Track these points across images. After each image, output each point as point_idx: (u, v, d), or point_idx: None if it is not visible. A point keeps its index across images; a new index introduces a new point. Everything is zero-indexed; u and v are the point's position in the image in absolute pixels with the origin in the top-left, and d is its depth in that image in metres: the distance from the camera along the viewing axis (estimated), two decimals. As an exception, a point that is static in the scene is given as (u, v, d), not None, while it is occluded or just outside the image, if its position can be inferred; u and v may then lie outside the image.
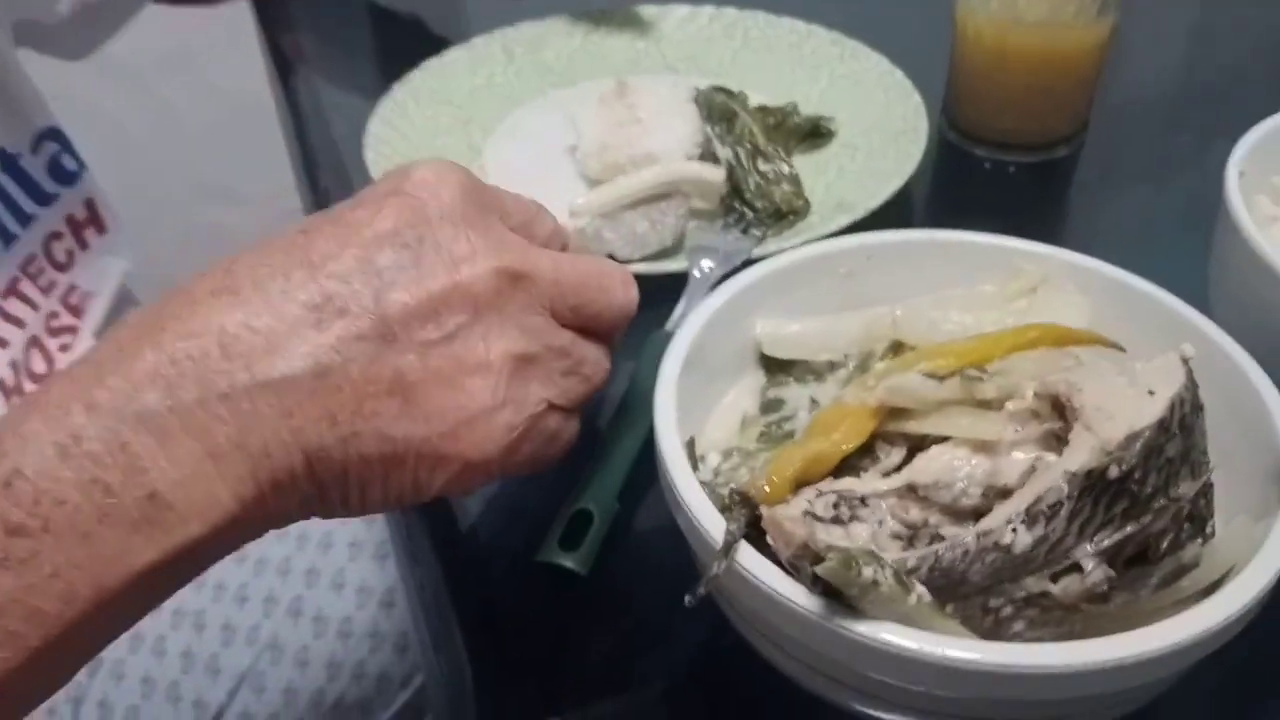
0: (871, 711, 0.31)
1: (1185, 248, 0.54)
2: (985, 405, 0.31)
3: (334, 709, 0.63)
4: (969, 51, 0.60)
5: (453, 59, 0.70)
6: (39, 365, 0.62)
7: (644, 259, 0.53)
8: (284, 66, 0.78)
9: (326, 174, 0.67)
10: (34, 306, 0.61)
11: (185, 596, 0.64)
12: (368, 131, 0.62)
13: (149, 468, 0.28)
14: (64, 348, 0.63)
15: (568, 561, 0.39)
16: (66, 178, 0.63)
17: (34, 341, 0.61)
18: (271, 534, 0.72)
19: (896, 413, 0.32)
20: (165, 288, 0.32)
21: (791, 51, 0.71)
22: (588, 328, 0.36)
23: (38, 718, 0.61)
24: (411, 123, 0.65)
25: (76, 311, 0.64)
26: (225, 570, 0.64)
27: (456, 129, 0.66)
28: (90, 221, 0.64)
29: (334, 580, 0.65)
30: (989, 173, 0.62)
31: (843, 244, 0.40)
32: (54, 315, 0.62)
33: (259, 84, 0.87)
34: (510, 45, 0.73)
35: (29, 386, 0.61)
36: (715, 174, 0.57)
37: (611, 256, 0.52)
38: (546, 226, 0.38)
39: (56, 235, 0.62)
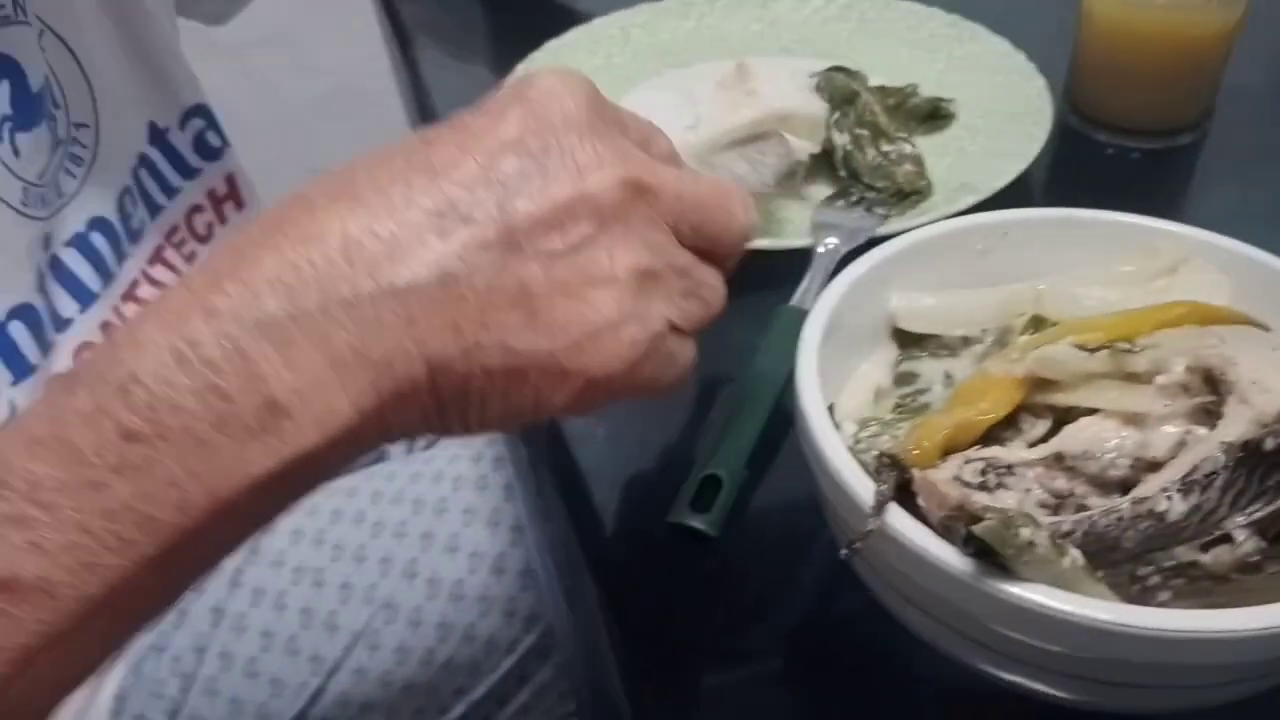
0: (1007, 675, 0.31)
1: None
2: (1134, 379, 0.32)
3: (443, 669, 0.65)
4: (1094, 35, 0.60)
5: (572, 39, 0.72)
6: None
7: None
8: (404, 39, 0.80)
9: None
10: (178, 274, 0.64)
11: (305, 554, 0.66)
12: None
13: (268, 375, 0.28)
14: None
15: (698, 523, 0.40)
16: (211, 153, 0.66)
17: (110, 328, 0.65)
18: (388, 498, 0.74)
19: (1043, 385, 0.32)
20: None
21: (909, 34, 0.71)
22: (706, 250, 0.35)
23: (163, 663, 0.64)
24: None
25: None
26: (344, 530, 0.67)
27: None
28: (229, 196, 0.67)
29: (448, 545, 0.67)
30: (1111, 158, 0.61)
31: (979, 220, 0.41)
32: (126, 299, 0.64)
33: (369, 62, 0.89)
34: (627, 26, 0.74)
35: None
36: (816, 107, 0.57)
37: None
38: (665, 146, 0.37)
39: (198, 208, 0.64)
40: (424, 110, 0.74)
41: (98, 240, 0.56)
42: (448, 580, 0.66)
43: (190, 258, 0.64)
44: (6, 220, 0.48)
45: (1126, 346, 0.32)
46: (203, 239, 0.65)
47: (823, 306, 0.37)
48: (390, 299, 0.29)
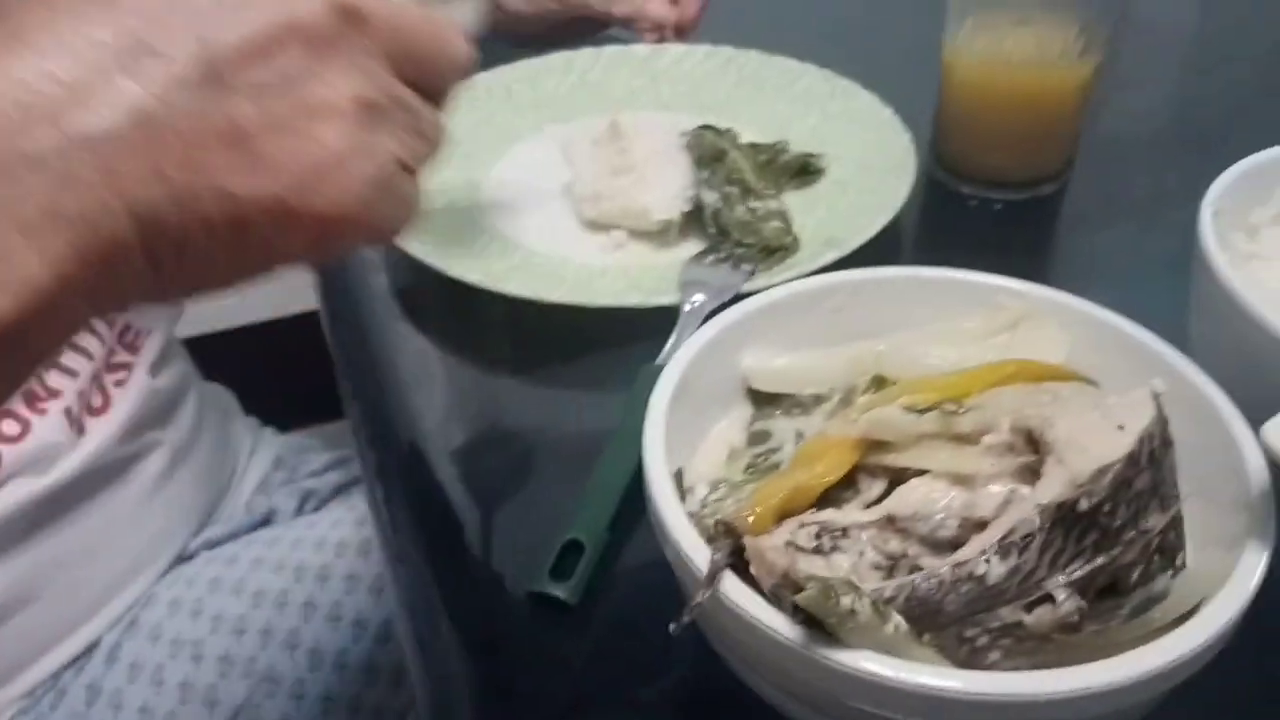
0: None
1: (1169, 284, 0.55)
2: (963, 439, 0.32)
3: (329, 740, 0.64)
4: (956, 91, 0.62)
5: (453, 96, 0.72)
6: (97, 400, 0.63)
7: None
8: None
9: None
10: (101, 340, 0.63)
11: (183, 626, 0.64)
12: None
13: None
14: (119, 383, 0.65)
15: (558, 591, 0.40)
16: None
17: (95, 376, 0.63)
18: (269, 565, 0.73)
19: (878, 445, 0.33)
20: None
21: (784, 89, 0.72)
22: (424, 86, 0.32)
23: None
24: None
25: (132, 349, 0.66)
26: (223, 600, 0.65)
27: (457, 163, 0.68)
28: None
29: (331, 614, 0.65)
30: (975, 210, 0.63)
31: (829, 280, 0.41)
32: (112, 352, 0.63)
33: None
34: (509, 82, 0.74)
35: (88, 421, 0.62)
36: (683, 165, 0.60)
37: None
38: None
39: None
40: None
41: None
42: (331, 650, 0.64)
43: (111, 322, 0.65)
44: None
45: (954, 408, 0.32)
46: None
47: (672, 370, 0.37)
48: (81, 149, 0.26)
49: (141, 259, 0.27)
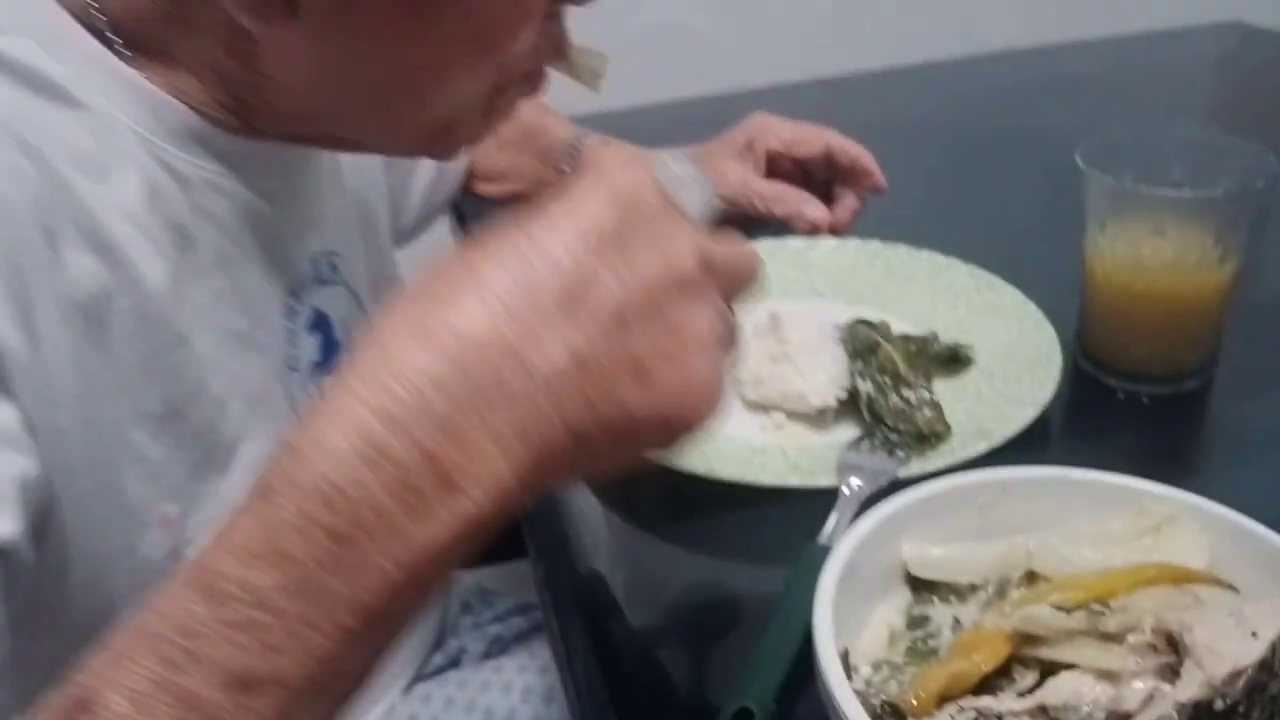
0: None
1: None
2: (1109, 637, 0.36)
3: None
4: (1099, 291, 0.66)
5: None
6: None
7: None
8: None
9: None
10: None
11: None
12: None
13: (447, 464, 0.32)
14: None
15: (731, 755, 0.44)
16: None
17: None
18: (460, 706, 0.78)
19: (1030, 639, 0.37)
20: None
21: (931, 281, 0.78)
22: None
23: None
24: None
25: None
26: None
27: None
28: None
29: None
30: (1122, 402, 0.66)
31: (981, 477, 0.46)
32: None
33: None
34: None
35: None
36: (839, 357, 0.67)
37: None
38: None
39: None
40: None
41: None
42: None
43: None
44: None
45: (1100, 608, 0.36)
46: None
47: (839, 555, 0.42)
48: (535, 381, 0.34)
49: (568, 459, 0.35)
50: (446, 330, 0.33)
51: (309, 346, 0.57)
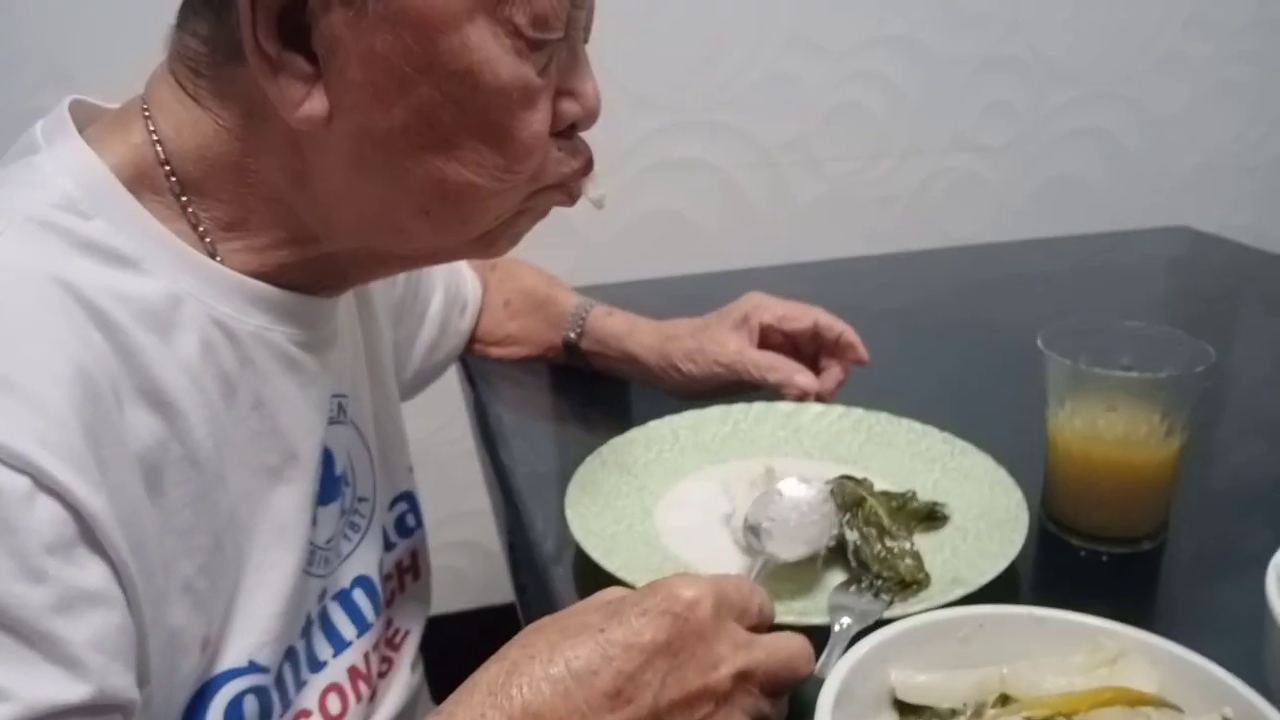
0: None
1: (1249, 631, 0.64)
2: (1073, 748, 0.41)
3: None
4: (1060, 460, 0.73)
5: (632, 437, 0.87)
6: (363, 689, 0.69)
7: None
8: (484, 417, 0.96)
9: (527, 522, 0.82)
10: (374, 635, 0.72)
11: None
12: (567, 494, 0.78)
13: None
14: (381, 674, 0.72)
15: None
16: (407, 532, 0.78)
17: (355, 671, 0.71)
18: None
19: (1005, 749, 0.42)
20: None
21: (910, 446, 0.85)
22: (776, 691, 0.50)
23: None
24: (599, 487, 0.80)
25: (395, 646, 0.76)
26: None
27: (632, 494, 0.81)
28: (411, 569, 0.78)
29: None
30: (1083, 559, 0.73)
31: (959, 614, 0.52)
32: (377, 645, 0.71)
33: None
34: (676, 428, 0.89)
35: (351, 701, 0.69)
36: (828, 509, 0.73)
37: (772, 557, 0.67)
38: (756, 606, 0.52)
39: (388, 577, 0.75)
40: (502, 478, 0.88)
41: (359, 596, 0.68)
42: None
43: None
44: (298, 582, 0.60)
45: (1064, 720, 0.42)
46: (388, 604, 0.74)
47: (832, 682, 0.48)
48: None
49: None
50: (517, 702, 0.45)
51: (316, 479, 0.62)
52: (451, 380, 1.06)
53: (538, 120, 0.55)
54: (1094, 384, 0.70)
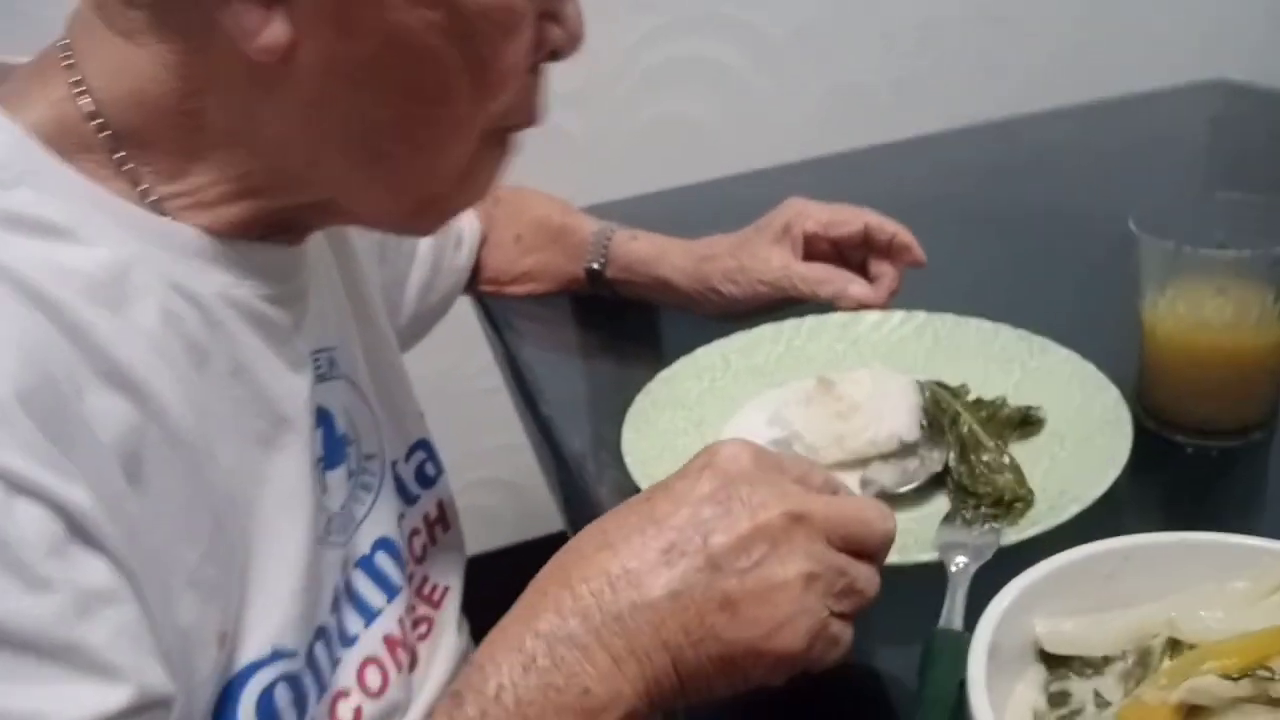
0: None
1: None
2: (1275, 703, 0.36)
3: None
4: (1161, 351, 0.67)
5: (680, 369, 0.80)
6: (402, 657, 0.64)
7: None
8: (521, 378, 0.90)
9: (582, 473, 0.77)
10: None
11: None
12: (623, 438, 0.72)
13: (579, 673, 0.43)
14: (421, 637, 0.68)
15: None
16: (428, 481, 0.72)
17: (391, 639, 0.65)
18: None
19: (1195, 710, 0.37)
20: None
21: (983, 348, 0.78)
22: (857, 552, 0.48)
23: None
24: (654, 427, 0.74)
25: (434, 604, 0.71)
26: None
27: (691, 430, 0.75)
28: (439, 520, 0.73)
29: None
30: (1191, 457, 0.67)
31: (1103, 548, 0.46)
32: (411, 608, 0.67)
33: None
34: (726, 353, 0.82)
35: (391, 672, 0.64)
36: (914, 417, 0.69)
37: (884, 491, 0.64)
38: (818, 478, 0.50)
39: (415, 531, 0.70)
40: (539, 418, 0.82)
41: (382, 559, 0.63)
42: None
43: (409, 579, 0.67)
44: (313, 553, 0.55)
45: (1266, 673, 0.36)
46: (419, 560, 0.70)
47: (980, 642, 0.42)
48: (643, 612, 0.44)
49: (674, 680, 0.45)
50: (580, 574, 0.46)
51: (314, 442, 0.57)
52: (454, 317, 0.99)
53: (518, 48, 0.51)
54: (1200, 267, 0.64)
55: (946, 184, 1.23)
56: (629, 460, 0.69)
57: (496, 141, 0.56)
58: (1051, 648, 0.44)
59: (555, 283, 0.96)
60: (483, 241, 0.96)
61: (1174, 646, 0.42)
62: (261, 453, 0.53)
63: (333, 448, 0.60)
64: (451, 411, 1.08)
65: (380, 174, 0.53)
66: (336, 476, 0.60)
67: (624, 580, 0.44)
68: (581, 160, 1.58)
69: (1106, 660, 0.44)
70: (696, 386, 0.80)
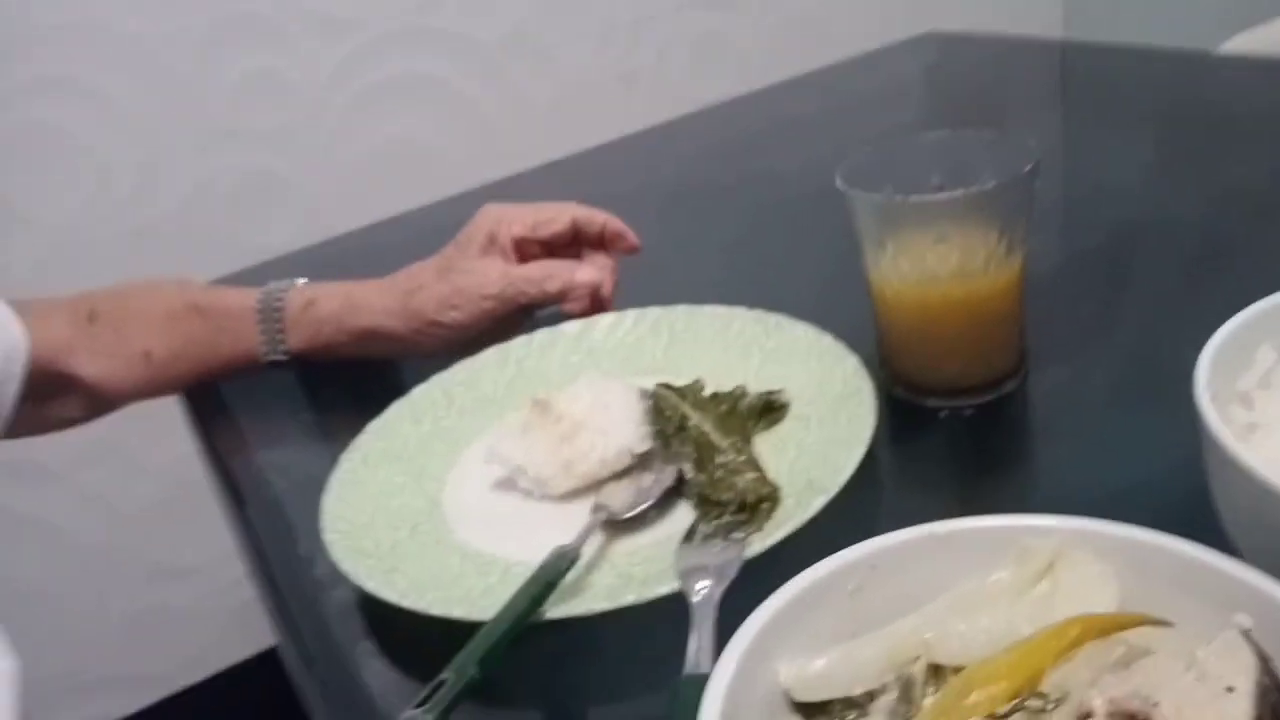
0: None
1: (1162, 458, 0.54)
2: (1053, 729, 0.29)
3: None
4: (893, 312, 0.61)
5: (395, 413, 0.70)
6: None
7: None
8: (219, 458, 0.77)
9: (270, 540, 0.65)
10: None
11: None
12: (323, 510, 0.60)
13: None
14: None
15: None
16: None
17: None
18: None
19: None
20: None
21: (718, 336, 0.72)
22: None
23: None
24: (365, 490, 0.63)
25: None
26: None
27: (410, 485, 0.65)
28: None
29: None
30: (946, 422, 0.62)
31: (843, 560, 0.39)
32: None
33: (192, 464, 0.85)
34: (448, 387, 0.73)
35: None
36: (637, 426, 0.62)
37: (614, 518, 0.57)
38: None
39: None
40: (240, 505, 0.71)
41: None
42: None
43: None
44: None
45: (1039, 703, 0.29)
46: None
47: (711, 708, 0.34)
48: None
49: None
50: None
51: None
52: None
53: None
54: (914, 215, 0.58)
55: (681, 172, 1.19)
56: (329, 539, 0.58)
57: None
58: (803, 696, 0.36)
59: (221, 373, 0.82)
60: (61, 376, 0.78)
61: (938, 672, 0.34)
62: None
63: None
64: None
65: None
66: None
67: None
68: (298, 201, 1.45)
69: (871, 696, 0.36)
70: (415, 432, 0.69)
